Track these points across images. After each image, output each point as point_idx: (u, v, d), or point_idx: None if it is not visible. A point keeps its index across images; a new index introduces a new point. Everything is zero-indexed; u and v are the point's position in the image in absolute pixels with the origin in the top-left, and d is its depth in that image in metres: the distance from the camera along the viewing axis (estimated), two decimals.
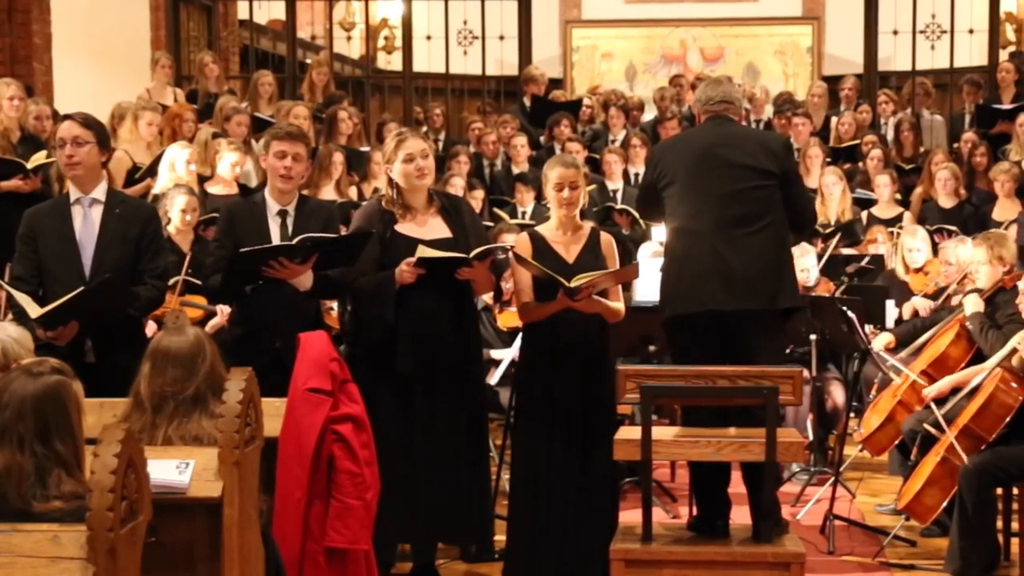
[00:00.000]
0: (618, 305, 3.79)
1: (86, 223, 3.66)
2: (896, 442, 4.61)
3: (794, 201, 3.79)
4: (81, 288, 3.49)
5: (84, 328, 3.54)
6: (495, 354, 5.08)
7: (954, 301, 5.16)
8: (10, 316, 3.61)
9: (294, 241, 3.60)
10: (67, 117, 3.74)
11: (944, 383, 4.30)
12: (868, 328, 5.18)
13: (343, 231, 4.24)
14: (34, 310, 3.46)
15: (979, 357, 4.39)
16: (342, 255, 3.73)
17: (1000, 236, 4.69)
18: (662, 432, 3.64)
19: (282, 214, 3.80)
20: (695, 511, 3.74)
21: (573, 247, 3.80)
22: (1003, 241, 4.59)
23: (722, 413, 3.77)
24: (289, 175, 3.76)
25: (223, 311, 4.50)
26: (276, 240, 3.73)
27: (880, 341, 4.87)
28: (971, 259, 4.65)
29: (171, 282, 4.25)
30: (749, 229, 3.66)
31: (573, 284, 3.61)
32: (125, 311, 3.63)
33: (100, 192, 3.71)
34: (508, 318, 5.37)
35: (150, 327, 4.05)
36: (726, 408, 3.76)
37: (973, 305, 4.44)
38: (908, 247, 5.86)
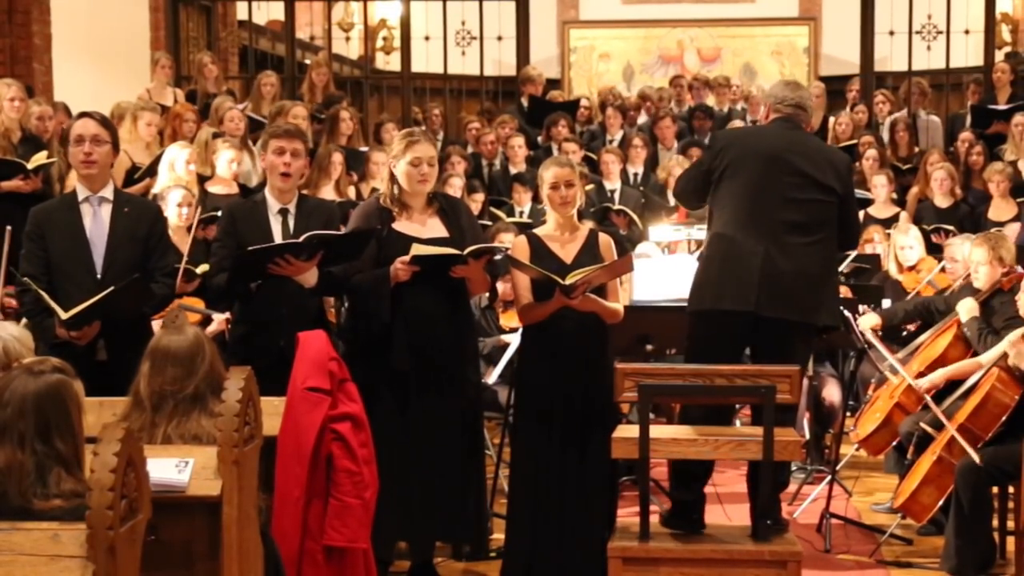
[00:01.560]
0: (616, 305, 3.80)
1: (96, 221, 3.68)
2: (893, 443, 4.62)
3: (848, 221, 3.85)
4: (111, 288, 3.50)
5: (101, 327, 3.57)
6: (506, 338, 5.10)
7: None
8: (23, 321, 3.62)
9: (300, 239, 3.61)
10: (84, 115, 3.74)
11: (938, 375, 4.32)
12: (861, 308, 5.16)
13: (342, 230, 4.24)
14: (60, 311, 3.48)
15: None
16: (346, 252, 3.75)
17: (1000, 237, 4.70)
18: (660, 431, 3.66)
19: (283, 212, 3.81)
20: (669, 506, 3.74)
21: (571, 248, 3.81)
22: (1003, 242, 4.60)
23: (722, 413, 3.79)
24: (289, 171, 3.77)
25: (218, 319, 4.51)
26: (278, 238, 3.74)
27: (867, 321, 4.83)
28: (971, 259, 4.66)
29: None
30: (804, 239, 3.67)
31: (568, 281, 3.62)
32: (143, 310, 3.67)
33: (108, 191, 3.74)
34: (511, 317, 5.39)
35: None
36: (724, 408, 3.78)
37: (968, 310, 4.44)
38: (900, 245, 5.88)
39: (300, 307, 3.70)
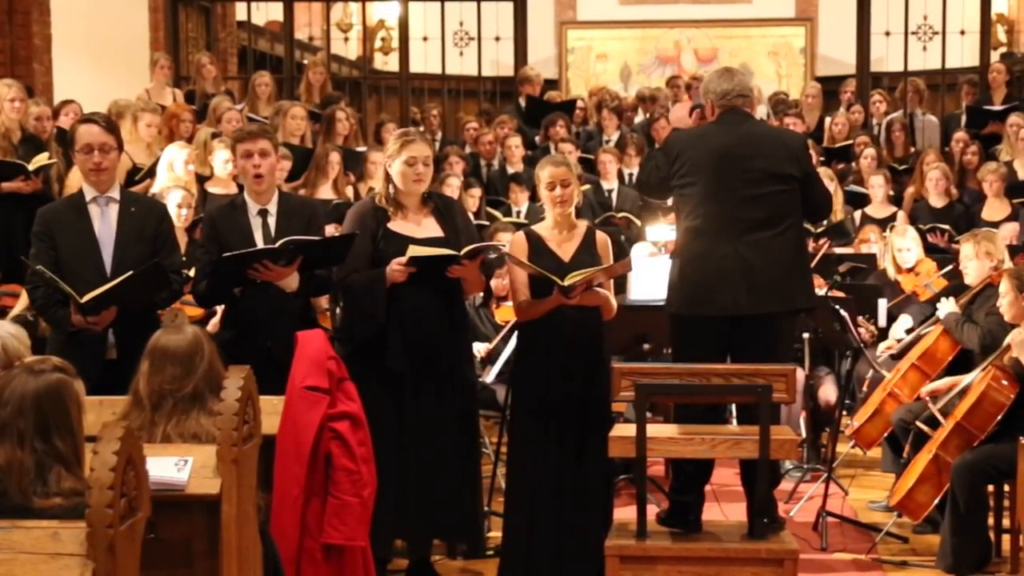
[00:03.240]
0: (612, 300, 3.82)
1: (104, 221, 3.71)
2: (886, 435, 4.65)
3: (814, 197, 3.85)
4: (130, 273, 3.53)
5: (117, 317, 3.59)
6: (479, 347, 5.11)
7: None
8: (17, 310, 3.62)
9: (277, 244, 3.62)
10: (88, 120, 3.73)
11: (942, 383, 4.35)
12: (861, 319, 5.21)
13: (337, 229, 4.25)
14: (76, 296, 3.51)
15: (968, 350, 4.45)
16: (328, 256, 3.76)
17: (988, 233, 4.78)
18: (657, 429, 3.67)
19: (263, 213, 3.81)
20: (667, 504, 3.75)
21: (569, 246, 3.83)
22: (991, 237, 4.67)
23: (715, 411, 3.82)
24: (260, 172, 3.78)
25: (219, 310, 4.52)
26: (259, 240, 3.75)
27: (882, 346, 4.95)
28: (960, 255, 4.73)
29: None
30: (771, 232, 3.69)
31: (567, 282, 3.64)
32: (157, 299, 3.71)
33: (115, 191, 3.77)
34: (505, 312, 5.41)
35: None
36: (718, 406, 3.80)
37: (947, 307, 4.53)
38: (898, 247, 5.91)
39: (282, 310, 3.70)
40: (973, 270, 4.59)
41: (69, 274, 3.62)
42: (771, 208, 3.70)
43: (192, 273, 4.40)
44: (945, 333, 4.53)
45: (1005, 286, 4.15)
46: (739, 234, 3.67)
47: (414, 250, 3.68)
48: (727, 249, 3.66)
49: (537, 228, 3.92)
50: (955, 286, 5.33)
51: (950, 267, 5.66)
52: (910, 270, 5.89)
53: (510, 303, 5.38)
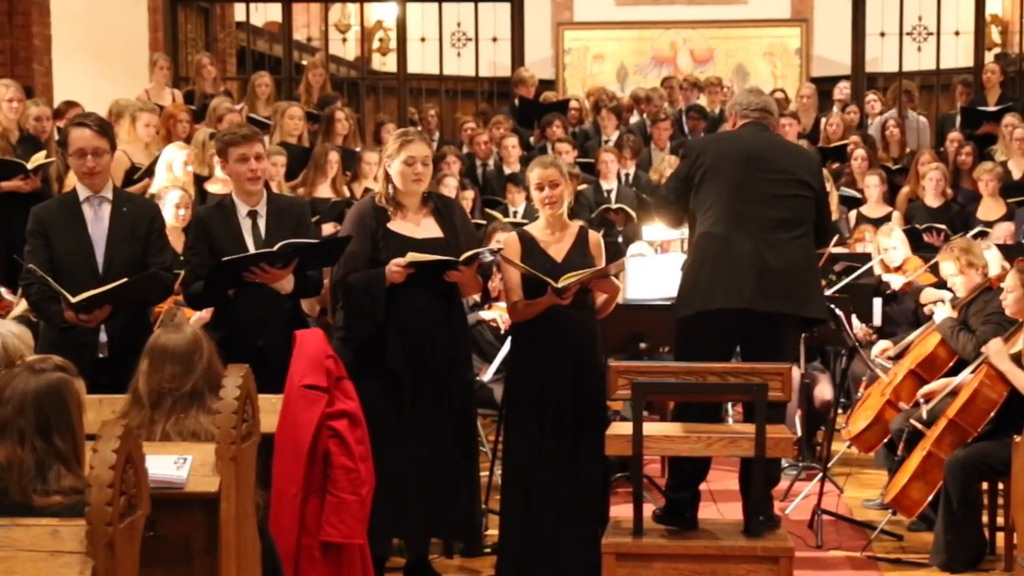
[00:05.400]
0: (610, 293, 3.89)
1: (97, 221, 3.73)
2: (884, 440, 4.67)
3: (823, 218, 3.91)
4: (125, 280, 3.56)
5: (110, 315, 3.61)
6: (496, 316, 5.14)
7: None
8: (18, 310, 3.64)
9: (275, 247, 3.63)
10: (80, 124, 3.74)
11: (939, 384, 4.36)
12: (858, 324, 5.24)
13: (336, 228, 4.26)
14: (67, 295, 3.53)
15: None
16: (322, 258, 3.78)
17: (963, 244, 4.78)
18: (653, 428, 3.69)
19: (252, 215, 3.82)
20: (663, 502, 3.78)
21: (562, 245, 3.85)
22: (967, 248, 4.68)
23: (713, 411, 3.84)
24: (256, 176, 3.79)
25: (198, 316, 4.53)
26: (249, 241, 3.77)
27: (878, 348, 4.96)
28: (944, 272, 4.74)
29: None
30: (789, 234, 3.72)
31: (561, 284, 3.66)
32: (151, 300, 3.73)
33: (108, 190, 3.79)
34: (494, 312, 5.44)
35: None
36: (716, 405, 3.82)
37: (943, 313, 4.54)
38: (884, 247, 5.95)
39: (274, 309, 3.72)
40: (960, 284, 4.61)
41: (62, 272, 3.64)
42: (791, 211, 3.74)
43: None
44: (944, 339, 4.53)
45: (1013, 281, 4.13)
46: (758, 232, 3.69)
47: (413, 258, 3.70)
48: (745, 246, 3.68)
49: (530, 228, 3.94)
50: (941, 282, 5.35)
51: (934, 261, 5.68)
52: (898, 268, 5.92)
53: (501, 304, 5.41)
